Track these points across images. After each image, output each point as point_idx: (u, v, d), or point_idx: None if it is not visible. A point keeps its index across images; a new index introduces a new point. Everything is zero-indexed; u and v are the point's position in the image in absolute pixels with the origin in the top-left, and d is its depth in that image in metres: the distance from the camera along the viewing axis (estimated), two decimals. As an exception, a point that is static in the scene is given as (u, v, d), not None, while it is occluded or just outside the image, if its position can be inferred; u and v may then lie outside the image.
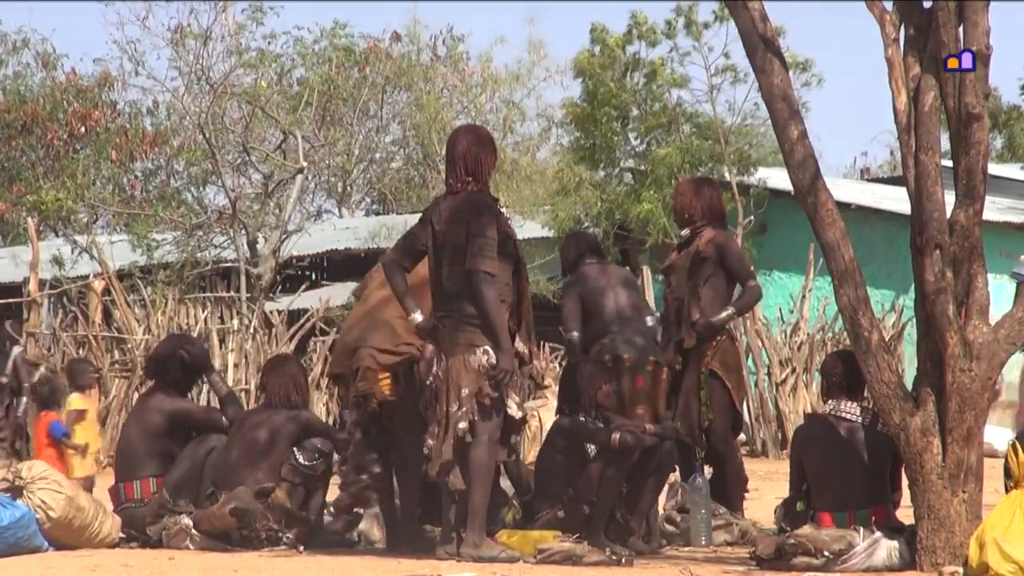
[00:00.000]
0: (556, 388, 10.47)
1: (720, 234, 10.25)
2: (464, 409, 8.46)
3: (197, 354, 10.19)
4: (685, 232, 10.38)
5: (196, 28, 25.77)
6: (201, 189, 29.52)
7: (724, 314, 10.09)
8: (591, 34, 25.03)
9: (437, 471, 8.50)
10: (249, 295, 23.19)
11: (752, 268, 10.57)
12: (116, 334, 18.99)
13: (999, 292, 10.03)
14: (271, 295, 24.75)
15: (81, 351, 18.71)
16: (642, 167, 25.20)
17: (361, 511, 9.46)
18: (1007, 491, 7.79)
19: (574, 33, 60.45)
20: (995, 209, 24.14)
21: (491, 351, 8.46)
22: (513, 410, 8.57)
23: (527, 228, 25.22)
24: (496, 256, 8.51)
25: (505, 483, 9.39)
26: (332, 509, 9.62)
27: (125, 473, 9.73)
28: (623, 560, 8.51)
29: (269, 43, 27.56)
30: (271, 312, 20.93)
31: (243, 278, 23.87)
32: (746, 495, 10.36)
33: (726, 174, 23.79)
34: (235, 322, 19.86)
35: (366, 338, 9.04)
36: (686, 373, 10.09)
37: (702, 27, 24.38)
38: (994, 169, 24.43)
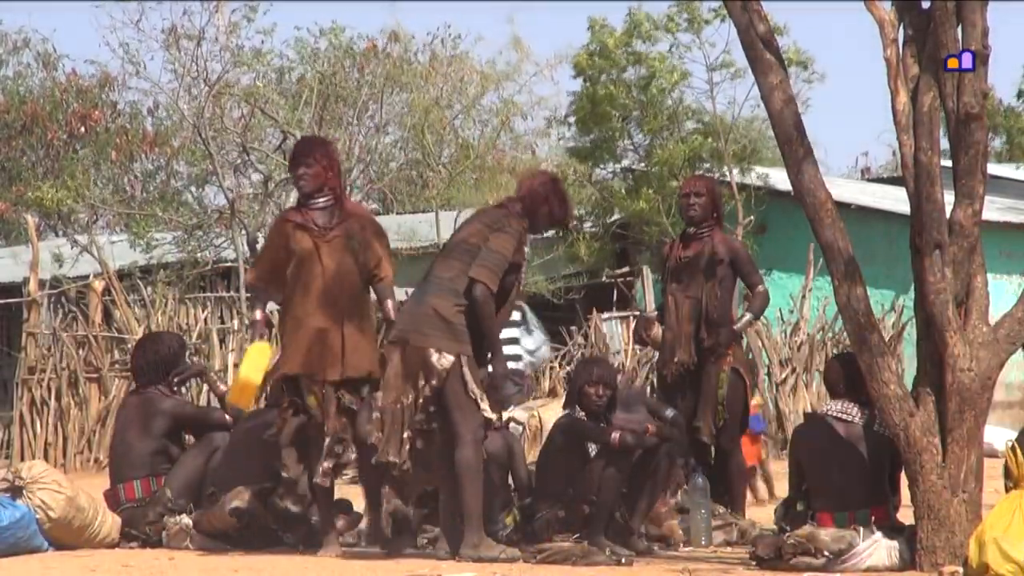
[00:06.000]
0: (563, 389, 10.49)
1: (729, 236, 10.36)
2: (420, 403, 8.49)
3: (167, 350, 10.09)
4: (692, 230, 10.37)
5: (190, 29, 25.73)
6: (201, 189, 29.49)
7: (744, 320, 10.24)
8: (589, 30, 24.92)
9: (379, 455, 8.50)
10: (249, 295, 23.16)
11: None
12: (116, 334, 18.97)
13: (999, 292, 10.04)
14: (271, 295, 24.66)
15: (81, 351, 18.70)
16: (643, 165, 25.17)
17: (360, 512, 9.45)
18: (1007, 491, 7.80)
19: (556, 29, 60.81)
20: (995, 209, 24.15)
21: (447, 354, 8.45)
22: (487, 411, 8.58)
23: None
24: (500, 274, 8.54)
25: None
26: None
27: (124, 474, 9.70)
28: (623, 560, 8.52)
29: (263, 40, 27.52)
30: (271, 312, 20.88)
31: (243, 278, 23.83)
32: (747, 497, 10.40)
33: (727, 173, 23.79)
34: (235, 322, 19.84)
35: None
36: (703, 373, 10.12)
37: (703, 22, 24.31)
38: (994, 169, 24.42)
